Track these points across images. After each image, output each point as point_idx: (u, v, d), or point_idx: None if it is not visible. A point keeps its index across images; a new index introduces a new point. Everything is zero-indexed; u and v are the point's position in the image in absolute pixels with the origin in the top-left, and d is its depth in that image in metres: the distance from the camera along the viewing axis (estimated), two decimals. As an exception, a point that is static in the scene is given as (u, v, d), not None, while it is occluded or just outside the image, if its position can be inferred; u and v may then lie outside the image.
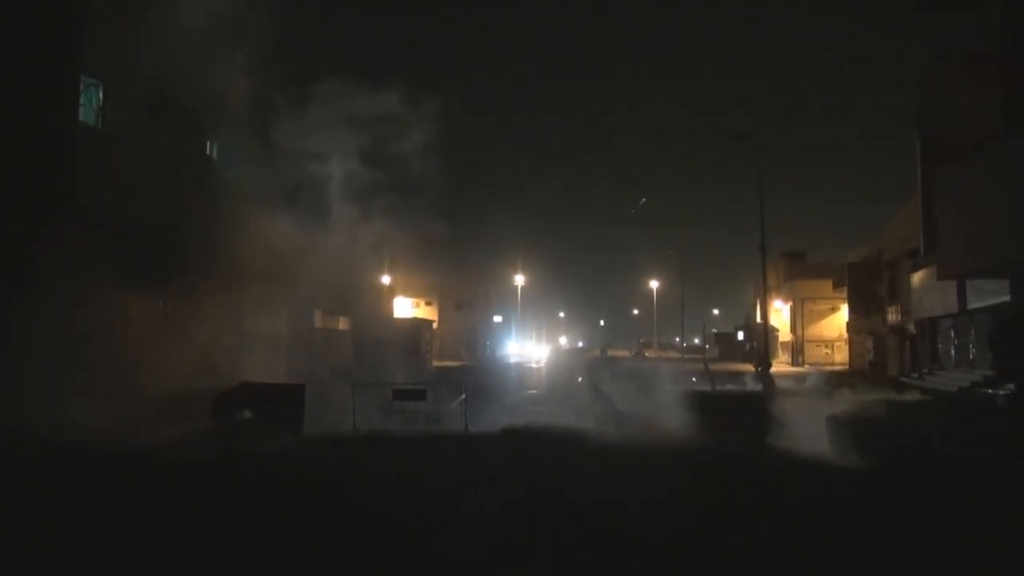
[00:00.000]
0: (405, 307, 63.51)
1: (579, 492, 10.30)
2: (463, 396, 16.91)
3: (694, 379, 35.10)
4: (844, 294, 54.19)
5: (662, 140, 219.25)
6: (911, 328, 36.17)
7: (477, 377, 30.34)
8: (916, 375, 33.36)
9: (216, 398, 15.72)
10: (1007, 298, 22.76)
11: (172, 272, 19.39)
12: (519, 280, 77.89)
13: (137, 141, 17.91)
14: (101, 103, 17.84)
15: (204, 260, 19.91)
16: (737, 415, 15.94)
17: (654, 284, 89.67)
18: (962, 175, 18.91)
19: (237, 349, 22.77)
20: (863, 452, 12.37)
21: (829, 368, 50.72)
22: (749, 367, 34.68)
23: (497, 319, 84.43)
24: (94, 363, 16.96)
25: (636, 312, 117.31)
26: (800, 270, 65.16)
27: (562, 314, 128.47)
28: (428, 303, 68.20)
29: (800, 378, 33.58)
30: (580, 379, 34.14)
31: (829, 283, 57.95)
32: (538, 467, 12.09)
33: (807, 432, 14.49)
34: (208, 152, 21.73)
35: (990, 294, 24.20)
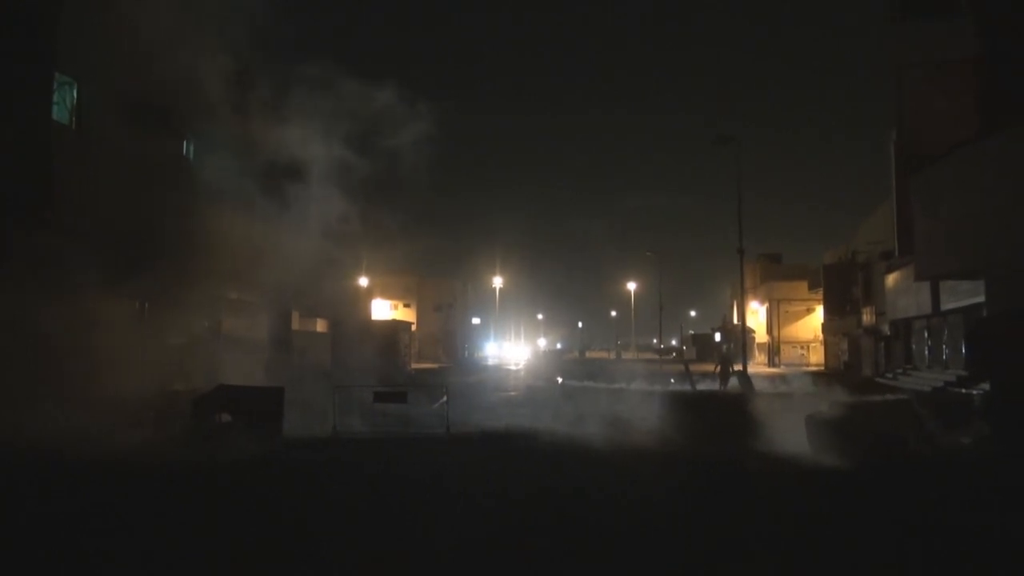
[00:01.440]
0: (383, 309, 63.28)
1: (563, 496, 10.31)
2: (444, 398, 16.83)
3: (672, 380, 35.24)
4: (819, 296, 54.79)
5: (640, 142, 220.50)
6: (885, 329, 36.66)
7: (457, 379, 30.17)
8: (891, 375, 33.79)
9: (194, 401, 15.50)
10: (980, 299, 23.13)
11: (147, 274, 19.09)
12: (497, 282, 77.85)
13: (112, 141, 17.61)
14: (75, 102, 17.55)
15: (180, 261, 19.62)
16: (716, 416, 16.04)
17: (631, 286, 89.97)
18: (938, 177, 19.20)
19: (214, 352, 22.50)
20: (842, 452, 12.47)
21: (804, 369, 51.24)
22: (735, 367, 34.71)
23: (475, 321, 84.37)
24: (67, 366, 16.64)
25: (614, 314, 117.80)
26: (776, 272, 65.96)
27: (540, 316, 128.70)
28: (406, 305, 68.02)
29: (777, 379, 33.77)
30: (560, 380, 34.16)
31: (804, 285, 58.67)
32: (521, 470, 12.09)
33: (786, 432, 14.57)
34: (184, 152, 21.44)
35: (963, 295, 24.59)
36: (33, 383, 15.45)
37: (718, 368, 29.57)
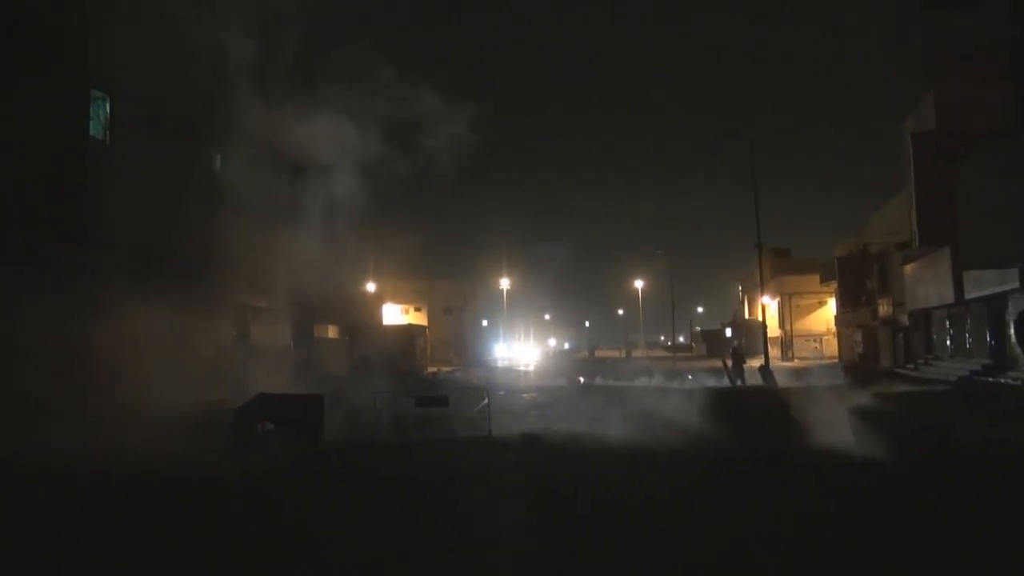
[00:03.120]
0: (394, 313, 63.38)
1: (618, 494, 10.42)
2: (486, 401, 16.93)
3: (689, 376, 35.40)
4: (831, 288, 54.83)
5: (645, 137, 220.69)
6: (904, 320, 36.69)
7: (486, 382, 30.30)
8: (911, 366, 33.84)
9: (236, 411, 15.59)
10: (1008, 287, 23.24)
11: (177, 284, 19.26)
12: (504, 283, 77.86)
13: (144, 154, 17.78)
14: (108, 116, 17.69)
15: (211, 273, 19.82)
16: (752, 412, 16.08)
17: (639, 283, 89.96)
18: (980, 166, 19.22)
19: (242, 360, 22.65)
20: (889, 443, 12.56)
21: (821, 362, 51.30)
22: (752, 363, 34.83)
23: (484, 323, 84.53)
24: (100, 378, 16.80)
25: (621, 312, 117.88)
26: (786, 266, 65.85)
27: (548, 316, 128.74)
28: (417, 309, 68.09)
29: (802, 372, 33.90)
30: (582, 380, 34.34)
31: (815, 278, 58.63)
32: (570, 472, 12.19)
33: (826, 425, 14.67)
34: (215, 164, 21.62)
35: (988, 283, 24.68)
36: (65, 396, 15.58)
37: (729, 363, 29.62)
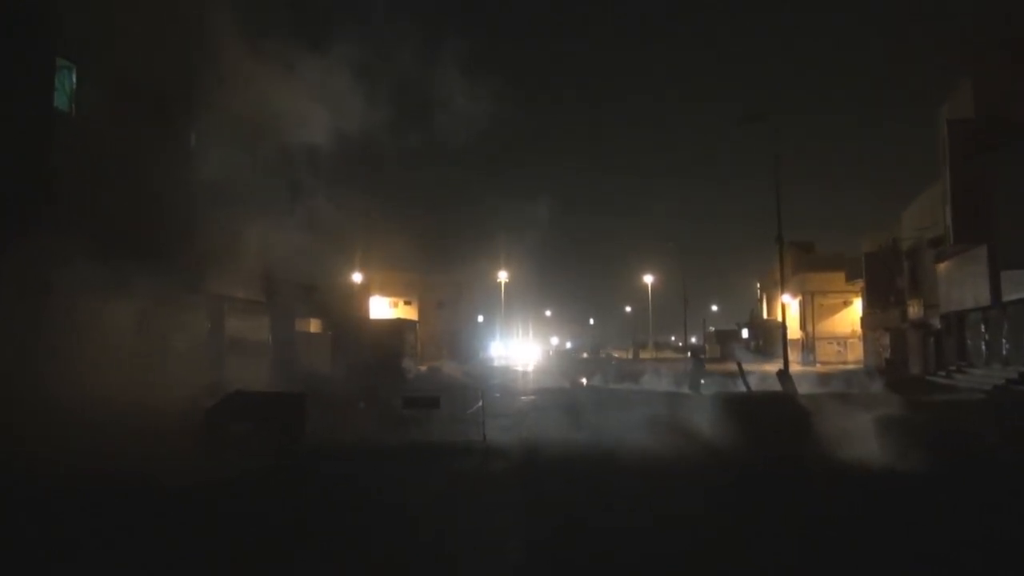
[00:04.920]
0: (382, 307, 63.37)
1: (635, 509, 10.41)
2: (480, 403, 16.94)
3: (703, 381, 35.45)
4: (857, 287, 54.91)
5: (654, 126, 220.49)
6: (936, 322, 36.72)
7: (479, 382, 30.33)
8: (943, 373, 33.88)
9: (208, 409, 15.59)
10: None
11: (147, 272, 19.22)
12: (502, 276, 77.78)
13: (113, 129, 17.69)
14: (75, 87, 17.63)
15: (183, 260, 19.78)
16: (769, 420, 16.11)
17: (648, 279, 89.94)
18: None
19: (217, 355, 22.68)
20: (918, 455, 12.58)
21: (843, 367, 51.38)
22: (768, 367, 34.90)
23: (479, 319, 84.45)
24: (64, 371, 16.75)
25: (628, 309, 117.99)
26: (809, 262, 65.81)
27: (548, 312, 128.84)
28: (407, 302, 68.07)
29: (819, 378, 33.90)
30: (585, 381, 34.40)
31: (841, 275, 58.67)
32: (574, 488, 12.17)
33: (849, 436, 14.71)
34: (190, 142, 21.56)
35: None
36: (27, 391, 15.51)
37: (738, 366, 29.72)
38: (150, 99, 18.70)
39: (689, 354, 35.83)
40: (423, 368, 40.89)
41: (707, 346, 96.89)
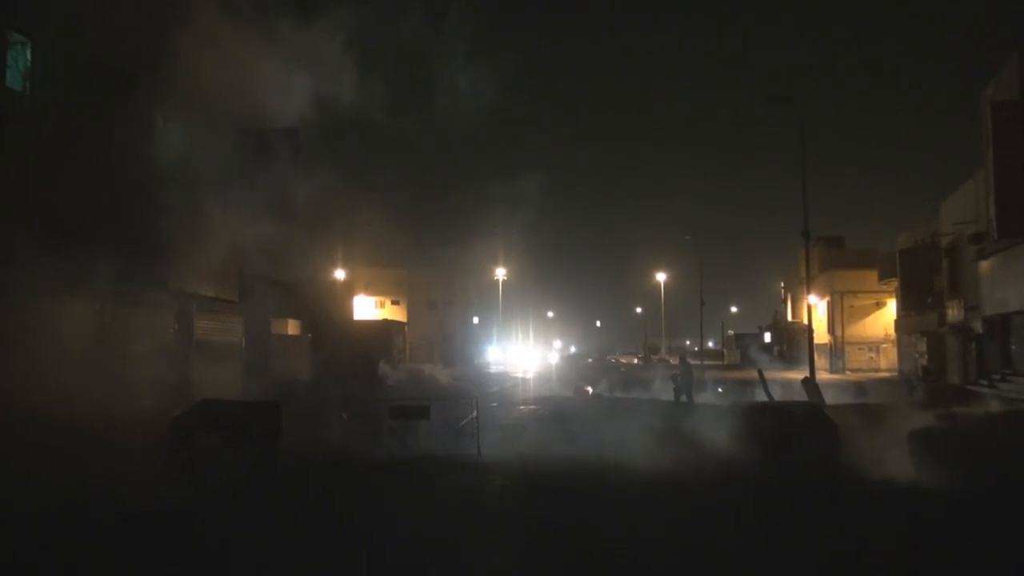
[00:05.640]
0: (367, 307, 63.45)
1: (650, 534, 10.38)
2: (474, 413, 16.91)
3: (719, 389, 35.54)
4: (891, 287, 54.91)
5: (668, 114, 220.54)
6: (977, 326, 36.68)
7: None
8: (985, 382, 33.85)
9: (174, 421, 15.53)
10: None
11: (108, 268, 19.17)
12: (501, 273, 77.66)
13: (71, 111, 17.65)
14: (29, 64, 17.57)
15: (147, 254, 19.72)
16: (793, 433, 16.11)
17: (662, 277, 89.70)
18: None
19: (184, 360, 22.65)
20: (955, 472, 12.57)
21: (875, 375, 51.40)
22: (791, 375, 34.92)
23: (475, 320, 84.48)
24: (11, 379, 16.68)
25: (639, 310, 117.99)
26: (838, 259, 65.78)
27: (551, 313, 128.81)
28: (394, 302, 68.17)
29: (849, 387, 33.90)
30: (591, 390, 34.44)
31: (873, 274, 58.63)
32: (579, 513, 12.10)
33: (881, 451, 14.72)
34: (156, 125, 21.50)
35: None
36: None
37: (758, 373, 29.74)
38: (113, 76, 18.64)
39: (679, 357, 35.69)
40: (403, 375, 40.80)
41: (725, 351, 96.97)
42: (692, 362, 33.38)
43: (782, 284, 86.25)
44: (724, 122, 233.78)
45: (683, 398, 28.79)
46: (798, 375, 34.68)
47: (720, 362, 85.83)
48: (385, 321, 52.35)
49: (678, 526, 10.91)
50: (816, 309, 69.98)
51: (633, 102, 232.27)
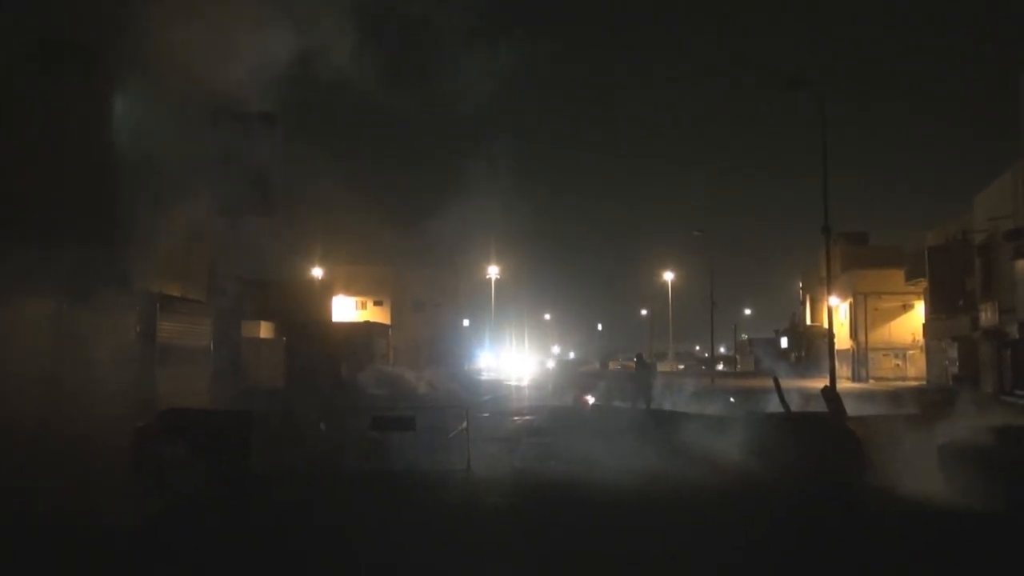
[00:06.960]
0: (348, 308, 63.47)
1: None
2: (464, 424, 16.94)
3: (731, 399, 35.69)
4: (919, 288, 54.92)
5: (672, 103, 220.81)
6: (1013, 331, 36.76)
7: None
8: (1021, 392, 33.95)
9: (136, 431, 15.52)
10: None
11: (62, 265, 19.13)
12: (493, 272, 77.51)
13: (20, 91, 17.61)
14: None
15: (105, 250, 19.67)
16: (811, 447, 16.20)
17: (669, 276, 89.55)
18: None
19: (147, 366, 22.62)
20: (993, 492, 12.61)
21: (902, 383, 51.51)
22: (809, 383, 35.02)
23: (465, 323, 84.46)
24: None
25: (644, 313, 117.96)
26: (862, 257, 65.74)
27: (548, 316, 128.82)
28: (377, 303, 68.18)
29: (873, 397, 33.99)
30: (591, 400, 34.48)
31: (899, 274, 58.61)
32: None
33: (908, 466, 14.79)
34: (115, 108, 21.44)
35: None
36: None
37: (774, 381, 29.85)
38: (66, 51, 18.60)
39: (634, 360, 35.66)
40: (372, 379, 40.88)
41: (738, 357, 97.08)
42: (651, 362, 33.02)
43: (800, 285, 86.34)
44: (741, 114, 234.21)
45: (640, 403, 28.94)
46: (817, 384, 34.73)
47: (733, 369, 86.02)
48: (367, 323, 52.44)
49: (689, 552, 10.83)
50: (837, 312, 70.02)
51: (642, 95, 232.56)
